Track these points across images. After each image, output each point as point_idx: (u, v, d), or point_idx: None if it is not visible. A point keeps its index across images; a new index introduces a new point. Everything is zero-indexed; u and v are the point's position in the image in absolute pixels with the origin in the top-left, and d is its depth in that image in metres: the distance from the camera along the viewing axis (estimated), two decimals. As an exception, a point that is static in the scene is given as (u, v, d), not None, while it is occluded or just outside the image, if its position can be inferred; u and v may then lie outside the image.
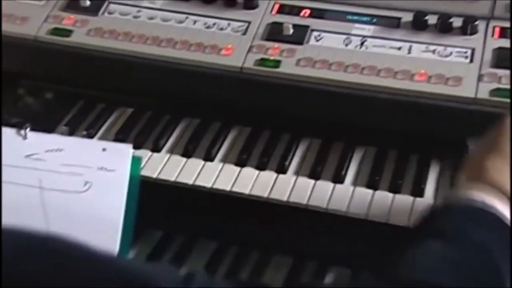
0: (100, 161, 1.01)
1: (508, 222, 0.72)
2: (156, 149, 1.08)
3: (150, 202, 1.00)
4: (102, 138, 1.11)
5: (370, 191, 0.99)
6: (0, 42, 1.13)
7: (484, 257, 0.68)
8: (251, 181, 1.02)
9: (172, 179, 1.03)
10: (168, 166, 1.05)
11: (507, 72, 1.00)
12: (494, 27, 1.07)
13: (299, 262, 1.04)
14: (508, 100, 0.97)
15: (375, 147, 1.07)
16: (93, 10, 1.18)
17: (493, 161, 0.77)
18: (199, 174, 1.03)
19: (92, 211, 0.97)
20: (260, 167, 1.04)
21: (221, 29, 1.15)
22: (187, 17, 1.17)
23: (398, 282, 0.65)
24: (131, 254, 1.06)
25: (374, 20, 1.12)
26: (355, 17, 1.13)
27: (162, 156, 1.07)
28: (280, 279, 1.03)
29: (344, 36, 1.11)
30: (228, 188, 1.01)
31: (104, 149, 1.03)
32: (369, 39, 1.09)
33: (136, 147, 1.08)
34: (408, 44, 1.08)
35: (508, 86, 0.99)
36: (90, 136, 1.11)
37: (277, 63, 1.08)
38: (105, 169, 1.00)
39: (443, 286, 0.65)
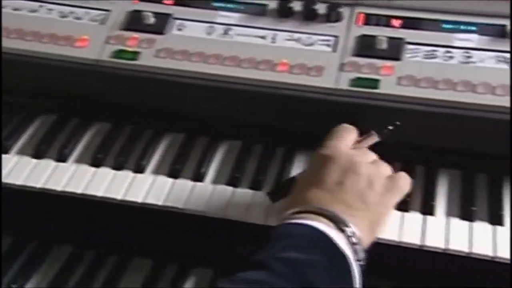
0: None
1: (337, 243, 0.74)
2: (4, 150, 1.00)
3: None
4: None
5: (230, 189, 0.95)
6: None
7: (297, 275, 0.69)
8: (106, 183, 0.96)
9: (19, 182, 0.95)
10: (17, 168, 0.98)
11: (369, 60, 0.97)
12: (358, 14, 1.04)
13: (159, 265, 0.99)
14: (366, 90, 0.94)
15: (240, 141, 1.03)
16: None
17: (315, 193, 0.80)
18: (50, 176, 0.96)
19: None
20: (117, 167, 0.98)
21: (78, 18, 1.08)
22: (40, 6, 1.09)
23: None
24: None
25: (240, 7, 1.08)
26: (220, 4, 1.08)
27: (11, 158, 0.99)
28: (138, 283, 0.98)
29: (208, 25, 1.05)
30: (79, 191, 0.95)
31: None
32: (233, 28, 1.05)
33: (-19, 148, 1.01)
34: (272, 33, 1.03)
35: (368, 76, 0.96)
36: None
37: (135, 55, 1.02)
38: None
39: None
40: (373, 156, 0.86)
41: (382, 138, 0.89)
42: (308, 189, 0.81)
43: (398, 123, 0.89)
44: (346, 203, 0.79)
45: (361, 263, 0.76)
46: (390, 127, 0.89)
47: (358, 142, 0.88)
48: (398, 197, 0.84)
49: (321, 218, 0.76)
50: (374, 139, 0.88)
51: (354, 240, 0.75)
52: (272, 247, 0.73)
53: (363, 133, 0.89)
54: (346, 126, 0.89)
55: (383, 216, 0.82)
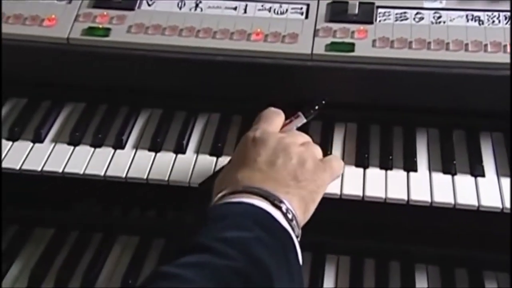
0: None
1: (277, 219, 0.73)
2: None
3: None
4: None
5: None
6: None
7: (242, 254, 0.67)
8: (86, 160, 0.94)
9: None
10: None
11: (341, 25, 0.98)
12: (328, -19, 1.04)
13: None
14: (342, 54, 0.95)
15: (218, 113, 1.03)
16: None
17: (246, 173, 0.79)
18: (27, 157, 0.95)
19: None
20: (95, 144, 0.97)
21: (44, -2, 1.05)
22: (4, -13, 1.06)
23: None
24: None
25: (209, -20, 1.07)
26: (189, -22, 1.07)
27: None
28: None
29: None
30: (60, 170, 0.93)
31: None
32: (203, 1, 1.04)
33: None
34: (243, 3, 1.03)
35: (343, 40, 0.96)
36: None
37: (106, 31, 1.00)
38: None
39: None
40: (303, 137, 0.86)
41: (309, 118, 0.90)
42: (238, 170, 0.79)
43: (324, 101, 0.90)
44: (277, 181, 0.77)
45: (298, 239, 0.75)
46: (316, 107, 0.90)
47: (286, 125, 0.88)
48: (330, 177, 0.83)
49: (255, 197, 0.74)
50: (301, 120, 0.89)
51: (290, 216, 0.74)
52: (211, 229, 0.70)
53: (289, 115, 0.89)
54: (273, 109, 0.88)
55: (315, 194, 0.80)
